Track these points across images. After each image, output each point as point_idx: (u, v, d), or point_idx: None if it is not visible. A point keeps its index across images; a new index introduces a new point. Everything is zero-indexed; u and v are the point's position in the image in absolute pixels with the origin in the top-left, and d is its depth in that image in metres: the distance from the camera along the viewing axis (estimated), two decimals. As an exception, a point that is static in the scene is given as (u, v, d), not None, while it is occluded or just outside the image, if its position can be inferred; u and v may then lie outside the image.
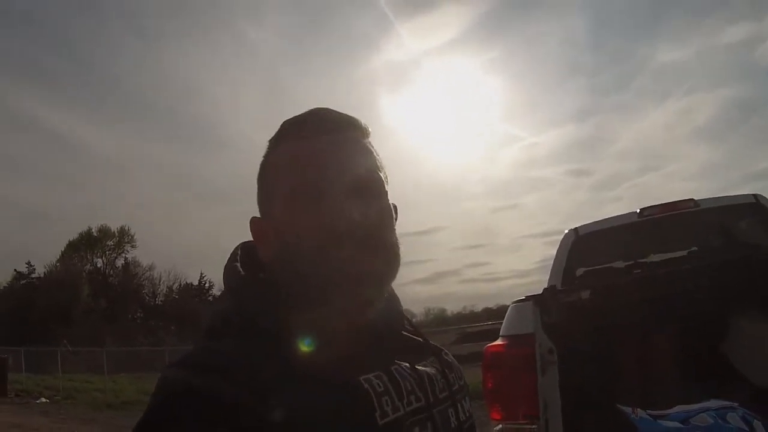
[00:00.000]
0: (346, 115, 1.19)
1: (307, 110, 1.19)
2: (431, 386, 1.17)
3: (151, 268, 73.11)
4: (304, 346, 1.04)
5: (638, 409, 3.17)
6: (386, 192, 1.18)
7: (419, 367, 1.18)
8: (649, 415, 3.16)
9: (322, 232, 1.07)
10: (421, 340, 1.29)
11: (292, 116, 1.20)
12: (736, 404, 3.07)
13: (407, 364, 1.16)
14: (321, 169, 1.10)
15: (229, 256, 1.23)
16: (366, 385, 1.04)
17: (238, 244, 1.26)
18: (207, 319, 1.14)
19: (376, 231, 1.11)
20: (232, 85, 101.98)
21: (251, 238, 1.22)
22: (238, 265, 1.18)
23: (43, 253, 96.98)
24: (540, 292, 3.78)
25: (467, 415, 1.26)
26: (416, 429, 1.09)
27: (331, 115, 1.17)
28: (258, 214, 1.21)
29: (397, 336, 1.24)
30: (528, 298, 3.64)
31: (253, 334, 1.03)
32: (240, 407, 0.91)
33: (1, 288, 65.67)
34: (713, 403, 3.11)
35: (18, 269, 67.12)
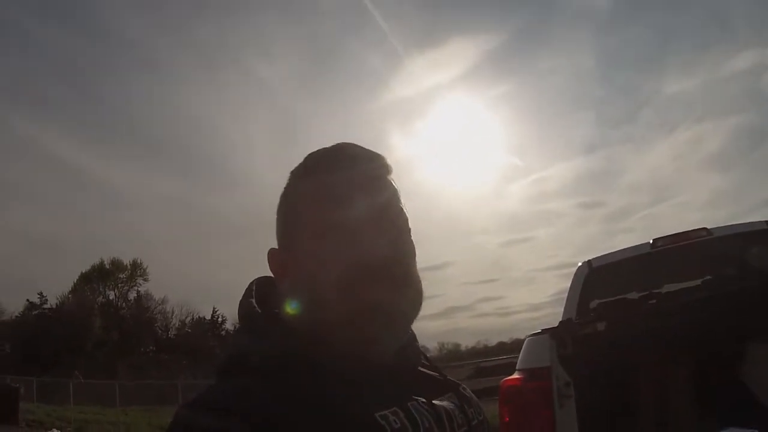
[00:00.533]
0: (372, 151, 1.20)
1: (333, 144, 1.20)
2: (449, 422, 1.15)
3: (163, 301, 73.26)
4: (319, 383, 1.02)
5: None
6: (410, 229, 1.19)
7: (437, 403, 1.16)
8: None
9: (355, 268, 1.07)
10: (438, 375, 1.28)
11: (317, 149, 1.21)
12: (755, 431, 3.02)
13: (424, 400, 1.13)
14: (354, 204, 1.10)
15: (244, 291, 1.23)
16: (382, 422, 1.02)
17: (253, 279, 1.26)
18: (221, 356, 1.13)
19: (406, 268, 1.14)
20: (243, 122, 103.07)
21: (265, 274, 1.24)
22: (253, 300, 1.18)
23: (56, 284, 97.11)
24: (555, 325, 3.76)
25: None
26: None
27: (360, 151, 1.18)
28: (275, 246, 1.22)
29: (415, 371, 1.23)
30: (544, 331, 3.61)
31: (268, 372, 1.03)
32: None
33: (14, 318, 65.61)
34: (731, 431, 3.07)
35: (30, 299, 67.09)
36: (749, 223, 5.33)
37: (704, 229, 5.21)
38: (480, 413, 1.29)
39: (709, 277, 5.05)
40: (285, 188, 1.21)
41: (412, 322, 1.19)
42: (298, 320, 1.12)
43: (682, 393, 3.60)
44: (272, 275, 1.23)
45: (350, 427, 0.98)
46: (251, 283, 1.24)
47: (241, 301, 1.20)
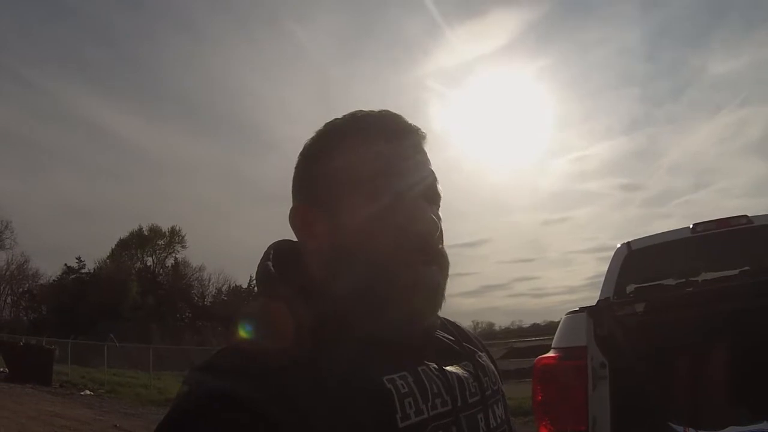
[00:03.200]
0: (415, 124, 1.17)
1: (378, 110, 1.17)
2: (461, 390, 1.12)
3: (200, 269, 74.28)
4: (330, 346, 1.00)
5: (690, 429, 3.08)
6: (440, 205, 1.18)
7: (449, 369, 1.13)
8: None
9: (408, 236, 1.06)
10: (453, 339, 1.25)
11: (359, 110, 1.18)
12: None
13: (435, 365, 1.10)
14: (409, 171, 1.10)
15: (262, 255, 1.18)
16: (389, 386, 0.99)
17: (270, 243, 1.21)
18: (236, 320, 1.09)
19: (442, 242, 1.13)
20: (280, 86, 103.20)
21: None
22: (270, 264, 1.14)
23: (94, 249, 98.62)
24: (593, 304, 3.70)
25: (499, 421, 1.20)
26: None
27: (407, 121, 1.16)
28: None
29: (430, 337, 1.19)
30: (582, 310, 3.54)
31: (280, 335, 0.99)
32: (260, 411, 0.87)
33: (51, 281, 66.82)
34: (766, 426, 3.04)
35: (68, 264, 68.22)
36: None
37: (744, 216, 5.13)
38: (495, 383, 1.25)
39: (747, 267, 4.95)
40: (320, 139, 1.17)
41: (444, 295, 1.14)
42: (320, 288, 1.09)
43: (716, 382, 3.53)
44: (294, 236, 1.18)
45: (358, 389, 0.96)
46: (269, 247, 1.19)
47: (258, 265, 1.16)
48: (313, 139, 1.18)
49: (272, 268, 1.13)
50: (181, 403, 0.91)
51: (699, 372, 3.51)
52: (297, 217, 1.15)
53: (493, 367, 1.30)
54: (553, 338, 3.77)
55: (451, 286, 1.14)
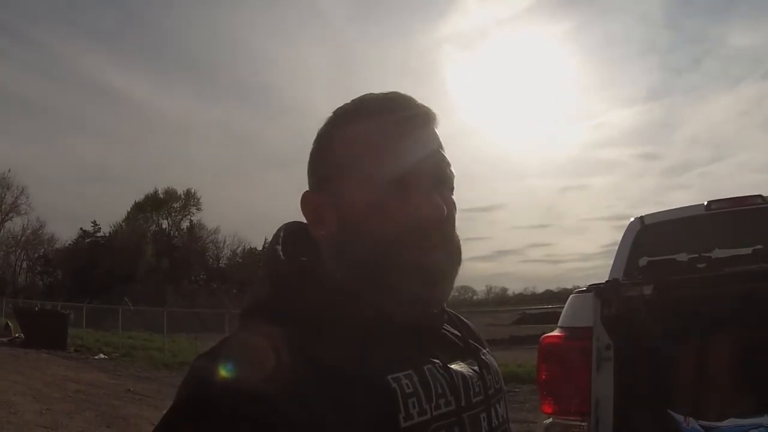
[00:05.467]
0: (426, 105, 1.14)
1: (387, 91, 1.14)
2: (465, 389, 1.10)
3: (215, 231, 74.82)
4: (337, 339, 0.98)
5: (690, 419, 3.07)
6: (454, 187, 1.14)
7: (454, 368, 1.11)
8: (700, 425, 3.03)
9: (410, 220, 1.04)
10: (460, 335, 1.23)
11: (368, 93, 1.15)
12: None
13: (441, 364, 1.08)
14: (414, 154, 1.07)
15: (272, 237, 1.18)
16: (393, 385, 0.98)
17: (281, 225, 1.20)
18: (243, 304, 1.11)
19: (453, 228, 1.11)
20: (295, 48, 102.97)
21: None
22: (279, 248, 1.13)
23: (109, 213, 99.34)
24: (604, 278, 3.75)
25: (500, 420, 1.19)
26: None
27: (416, 102, 1.13)
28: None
29: (436, 332, 1.18)
30: (589, 289, 3.51)
31: (287, 323, 0.98)
32: (265, 404, 0.85)
33: (67, 246, 67.39)
34: (767, 420, 3.02)
35: (83, 228, 68.70)
36: None
37: (759, 196, 5.07)
38: (498, 381, 1.24)
39: (760, 246, 4.89)
40: (328, 126, 1.15)
41: (453, 284, 1.13)
42: (327, 272, 1.09)
43: (723, 368, 3.48)
44: (305, 220, 1.17)
45: (361, 387, 0.95)
46: (279, 229, 1.19)
47: (267, 248, 1.17)
48: (323, 125, 1.16)
49: (281, 252, 1.12)
50: (188, 393, 0.90)
51: (705, 358, 3.47)
52: (306, 203, 1.14)
53: (495, 364, 1.28)
54: (564, 305, 3.76)
55: (465, 250, 1.12)
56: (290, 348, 0.93)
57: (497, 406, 1.19)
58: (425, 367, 1.05)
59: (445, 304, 1.22)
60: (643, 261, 5.23)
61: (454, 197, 1.13)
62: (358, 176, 1.07)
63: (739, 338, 3.42)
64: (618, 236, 5.73)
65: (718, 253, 5.44)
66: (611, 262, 5.40)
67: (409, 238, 1.03)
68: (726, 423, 3.04)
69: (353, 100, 1.15)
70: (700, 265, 4.89)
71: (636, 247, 5.29)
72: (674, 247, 5.47)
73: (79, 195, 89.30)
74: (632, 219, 5.57)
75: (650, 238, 5.33)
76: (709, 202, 5.21)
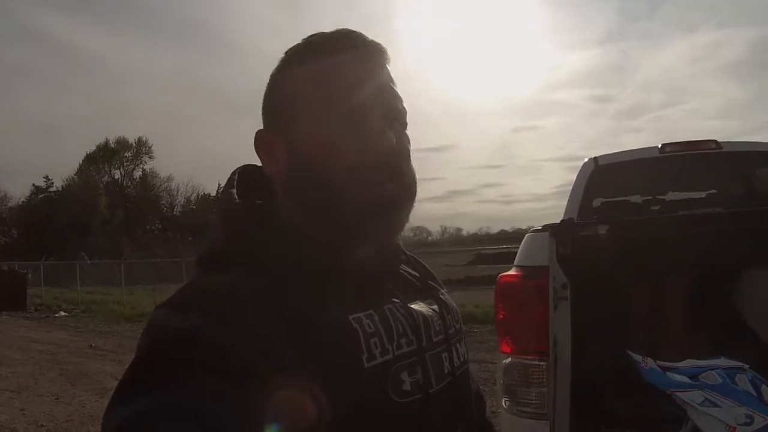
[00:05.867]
0: (374, 40, 1.13)
1: (337, 29, 1.13)
2: (426, 329, 1.12)
3: (168, 179, 74.16)
4: (296, 281, 0.99)
5: (648, 359, 3.13)
6: (407, 123, 1.14)
7: (415, 307, 1.13)
8: (658, 366, 3.09)
9: (361, 154, 1.03)
10: (418, 275, 1.25)
11: (318, 32, 1.14)
12: (746, 366, 3.00)
13: (401, 303, 1.10)
14: (364, 90, 1.06)
15: (225, 181, 1.18)
16: (355, 325, 0.99)
17: (235, 168, 1.20)
18: (199, 251, 1.11)
19: (406, 161, 1.10)
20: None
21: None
22: (234, 192, 1.13)
23: (62, 167, 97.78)
24: (558, 219, 3.69)
25: (462, 359, 1.21)
26: (404, 373, 1.03)
27: (366, 39, 1.12)
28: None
29: (394, 272, 1.20)
30: (544, 229, 3.49)
31: (244, 268, 0.99)
32: (227, 350, 0.86)
33: (20, 203, 66.43)
34: (723, 362, 3.05)
35: (36, 184, 67.66)
36: (760, 142, 5.25)
37: (714, 141, 5.11)
38: (458, 321, 1.26)
39: (713, 191, 4.97)
40: (281, 67, 1.14)
41: (408, 216, 1.14)
42: (283, 214, 1.10)
43: (676, 309, 3.58)
44: (259, 162, 1.16)
45: (323, 328, 0.95)
46: (233, 172, 1.19)
47: (221, 192, 1.18)
48: (276, 67, 1.15)
49: (236, 195, 1.12)
50: (149, 345, 0.89)
51: (660, 299, 3.53)
52: (260, 144, 1.13)
53: (454, 305, 1.29)
54: (519, 246, 3.75)
55: (419, 191, 1.13)
56: (248, 293, 0.94)
57: (458, 345, 1.21)
58: (386, 307, 1.06)
59: (402, 245, 1.25)
60: (597, 202, 5.27)
61: (407, 133, 1.14)
62: (309, 114, 1.07)
63: (695, 281, 3.49)
64: (571, 177, 5.74)
65: (671, 196, 5.50)
66: (565, 202, 5.42)
67: (361, 174, 1.03)
68: (683, 364, 3.10)
69: (303, 40, 1.15)
70: (654, 207, 4.98)
71: (590, 188, 5.31)
72: (628, 189, 5.50)
73: (30, 150, 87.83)
74: (586, 160, 5.58)
75: (604, 180, 5.34)
76: (663, 144, 5.23)
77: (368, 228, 1.06)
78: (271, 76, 1.16)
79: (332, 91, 1.06)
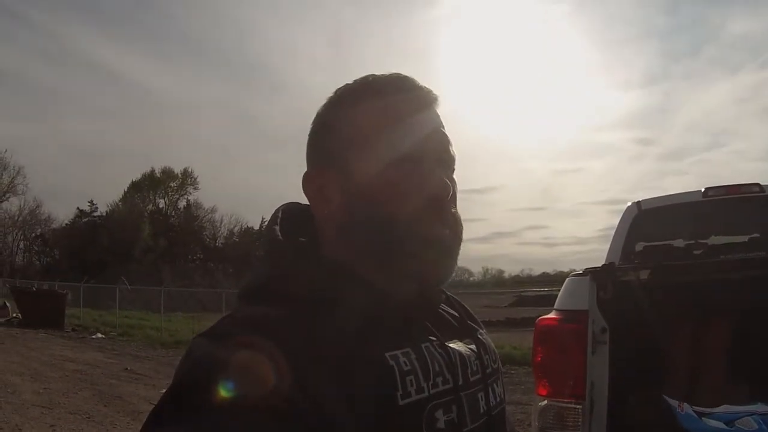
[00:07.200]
0: (427, 86, 1.14)
1: (389, 73, 1.14)
2: (462, 368, 1.10)
3: (212, 210, 74.81)
4: (337, 318, 0.98)
5: (684, 404, 3.09)
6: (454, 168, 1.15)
7: (452, 346, 1.11)
8: (694, 411, 3.05)
9: (419, 198, 1.05)
10: (457, 315, 1.23)
11: (371, 74, 1.15)
12: None
13: (438, 342, 1.08)
14: (422, 133, 1.08)
15: (270, 218, 1.18)
16: (391, 362, 0.98)
17: (279, 205, 1.20)
18: (242, 284, 1.09)
19: (455, 206, 1.12)
20: (290, 26, 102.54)
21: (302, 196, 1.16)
22: (277, 228, 1.13)
23: (106, 193, 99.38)
24: (600, 263, 3.72)
25: (498, 399, 1.19)
26: (439, 412, 1.01)
27: (419, 83, 1.13)
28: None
29: (434, 311, 1.18)
30: (585, 273, 3.50)
31: (286, 304, 0.98)
32: (260, 384, 0.84)
33: (63, 225, 67.36)
34: (760, 408, 3.02)
35: (81, 207, 68.65)
36: None
37: (757, 184, 5.06)
38: (495, 361, 1.25)
39: (756, 235, 4.91)
40: (333, 105, 1.15)
41: (456, 262, 1.13)
42: (326, 251, 1.10)
43: (717, 355, 3.51)
44: (306, 200, 1.16)
45: (359, 365, 0.94)
46: (277, 209, 1.19)
47: (264, 229, 1.17)
48: (324, 104, 1.16)
49: (279, 232, 1.12)
50: (188, 373, 0.89)
51: (699, 344, 3.49)
52: (310, 182, 1.13)
53: (492, 345, 1.27)
54: (560, 288, 3.75)
55: (464, 232, 1.13)
56: (289, 328, 0.94)
57: (495, 385, 1.19)
58: (423, 345, 1.05)
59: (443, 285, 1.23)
60: (639, 246, 5.22)
61: (454, 177, 1.14)
62: (366, 154, 1.07)
63: (733, 325, 3.45)
64: (614, 221, 5.74)
65: (714, 240, 5.44)
66: (607, 246, 5.42)
67: (418, 216, 1.04)
68: (719, 409, 3.06)
69: (357, 80, 1.15)
70: (696, 252, 4.91)
71: (633, 232, 5.30)
72: (671, 233, 5.46)
73: (77, 175, 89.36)
74: (629, 203, 5.57)
75: (647, 223, 5.32)
76: (706, 188, 5.20)
77: (418, 270, 1.06)
78: (319, 113, 1.16)
79: (390, 132, 1.07)
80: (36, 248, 68.64)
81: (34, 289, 27.55)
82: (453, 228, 1.09)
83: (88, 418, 8.79)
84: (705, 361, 3.47)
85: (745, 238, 5.16)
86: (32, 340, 18.94)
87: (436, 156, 1.09)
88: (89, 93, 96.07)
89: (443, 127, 1.14)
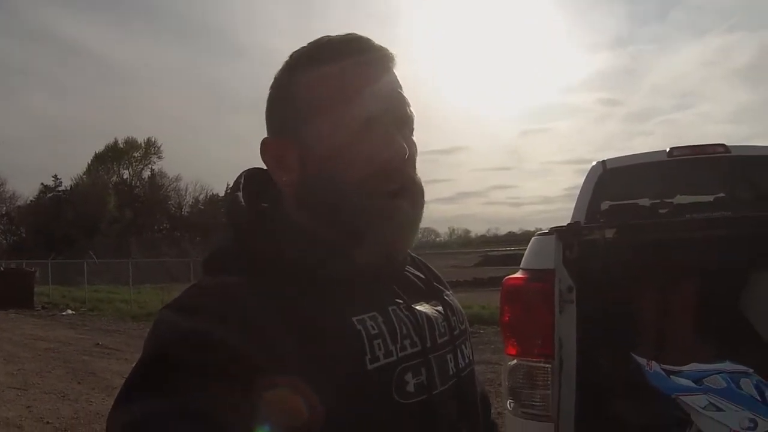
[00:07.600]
0: (383, 46, 1.12)
1: (344, 33, 1.12)
2: (430, 330, 1.11)
3: (177, 179, 74.15)
4: (301, 285, 0.98)
5: (653, 362, 3.11)
6: (413, 128, 1.14)
7: (419, 309, 1.12)
8: (663, 369, 3.08)
9: (373, 163, 1.04)
10: (424, 277, 1.24)
11: (325, 35, 1.13)
12: (751, 370, 2.98)
13: (405, 305, 1.10)
14: (375, 95, 1.06)
15: (232, 184, 1.18)
16: (358, 327, 0.99)
17: (241, 171, 1.19)
18: (205, 254, 1.10)
19: (414, 169, 1.11)
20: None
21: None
22: (240, 195, 1.12)
23: (70, 166, 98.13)
24: (566, 221, 3.70)
25: (467, 361, 1.21)
26: (408, 375, 1.03)
27: (374, 43, 1.11)
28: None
29: (400, 274, 1.18)
30: (551, 232, 3.49)
31: (251, 270, 0.99)
32: (232, 352, 0.86)
33: (28, 202, 66.59)
34: (728, 366, 3.03)
35: (45, 183, 67.85)
36: None
37: (722, 145, 5.09)
38: (463, 322, 1.25)
39: (721, 194, 4.96)
40: (288, 70, 1.13)
41: (419, 226, 1.14)
42: (289, 217, 1.10)
43: (682, 313, 3.52)
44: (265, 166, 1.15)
45: (326, 330, 0.95)
46: (240, 175, 1.18)
47: (227, 196, 1.20)
48: (280, 70, 1.14)
49: (241, 198, 1.11)
50: (154, 345, 0.90)
51: (666, 303, 3.51)
52: (267, 151, 1.12)
53: (459, 306, 1.29)
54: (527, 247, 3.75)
55: (428, 192, 1.13)
56: (254, 295, 0.94)
57: (463, 346, 1.20)
58: (389, 309, 1.06)
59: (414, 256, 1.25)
60: (605, 205, 5.26)
61: (414, 138, 1.13)
62: (321, 120, 1.06)
63: (700, 285, 3.48)
64: (580, 180, 5.70)
65: (680, 199, 5.49)
66: (573, 205, 5.40)
67: (374, 183, 1.03)
68: (688, 368, 3.08)
69: (311, 44, 1.14)
70: (662, 211, 4.96)
71: (598, 191, 5.31)
72: (636, 192, 5.51)
73: (40, 150, 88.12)
74: (594, 163, 5.56)
75: (612, 183, 5.34)
76: (671, 148, 5.21)
77: (378, 239, 1.05)
78: (276, 78, 1.15)
79: (345, 97, 1.05)
80: (2, 227, 67.91)
81: (1, 269, 27.23)
82: (412, 194, 1.09)
83: (64, 396, 8.78)
84: (672, 321, 3.49)
85: (710, 198, 5.20)
86: (2, 321, 18.81)
87: (392, 118, 1.08)
88: (48, 66, 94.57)
89: (401, 88, 1.12)
